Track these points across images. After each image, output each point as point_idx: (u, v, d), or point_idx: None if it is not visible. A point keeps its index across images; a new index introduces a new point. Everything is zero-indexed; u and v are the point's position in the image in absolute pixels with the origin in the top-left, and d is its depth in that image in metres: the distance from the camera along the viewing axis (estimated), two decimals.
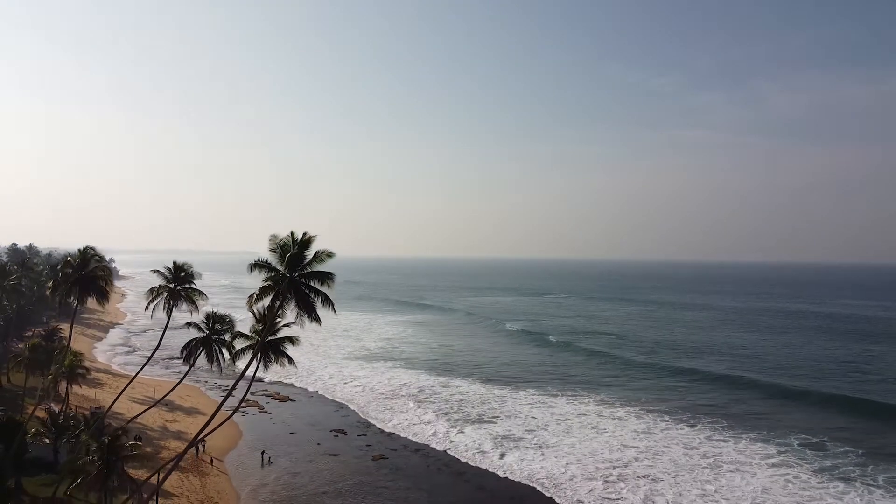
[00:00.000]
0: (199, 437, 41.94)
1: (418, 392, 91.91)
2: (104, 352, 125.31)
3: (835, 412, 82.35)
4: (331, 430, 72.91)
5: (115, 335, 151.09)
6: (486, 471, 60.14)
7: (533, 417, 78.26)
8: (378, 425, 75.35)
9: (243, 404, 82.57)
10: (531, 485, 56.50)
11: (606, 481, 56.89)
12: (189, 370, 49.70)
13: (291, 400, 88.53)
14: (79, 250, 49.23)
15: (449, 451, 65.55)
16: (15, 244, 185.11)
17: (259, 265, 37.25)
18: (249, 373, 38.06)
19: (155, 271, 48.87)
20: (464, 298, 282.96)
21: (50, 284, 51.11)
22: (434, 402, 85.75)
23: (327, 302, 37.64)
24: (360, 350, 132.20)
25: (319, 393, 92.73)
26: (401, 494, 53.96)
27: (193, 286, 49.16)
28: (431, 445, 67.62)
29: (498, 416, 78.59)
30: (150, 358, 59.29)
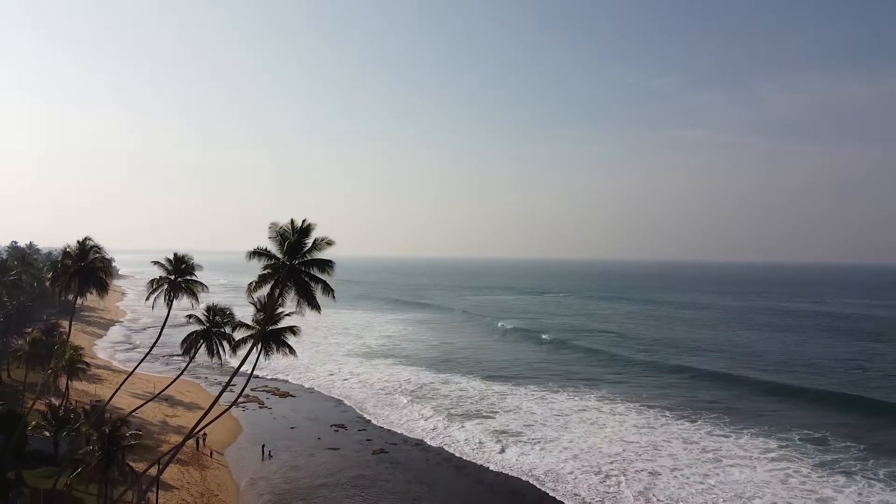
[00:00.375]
0: (200, 428, 41.93)
1: (418, 388, 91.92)
2: (104, 349, 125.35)
3: (836, 409, 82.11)
4: (331, 425, 72.93)
5: (115, 332, 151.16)
6: (485, 465, 60.16)
7: (532, 413, 78.26)
8: (378, 420, 75.36)
9: (244, 400, 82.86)
10: (531, 478, 56.51)
11: (605, 475, 56.88)
12: (189, 363, 49.58)
13: (291, 396, 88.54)
14: (77, 241, 49.14)
15: (449, 446, 65.56)
16: (15, 242, 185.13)
17: (258, 253, 37.22)
18: (251, 361, 38.02)
19: (155, 262, 48.82)
20: (464, 297, 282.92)
21: (49, 275, 51.03)
22: (434, 398, 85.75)
23: (327, 290, 37.59)
24: (360, 347, 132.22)
25: (319, 389, 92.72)
26: (401, 487, 53.97)
27: (194, 278, 49.09)
28: (431, 440, 67.63)
29: (498, 412, 78.60)
30: (150, 350, 59.23)
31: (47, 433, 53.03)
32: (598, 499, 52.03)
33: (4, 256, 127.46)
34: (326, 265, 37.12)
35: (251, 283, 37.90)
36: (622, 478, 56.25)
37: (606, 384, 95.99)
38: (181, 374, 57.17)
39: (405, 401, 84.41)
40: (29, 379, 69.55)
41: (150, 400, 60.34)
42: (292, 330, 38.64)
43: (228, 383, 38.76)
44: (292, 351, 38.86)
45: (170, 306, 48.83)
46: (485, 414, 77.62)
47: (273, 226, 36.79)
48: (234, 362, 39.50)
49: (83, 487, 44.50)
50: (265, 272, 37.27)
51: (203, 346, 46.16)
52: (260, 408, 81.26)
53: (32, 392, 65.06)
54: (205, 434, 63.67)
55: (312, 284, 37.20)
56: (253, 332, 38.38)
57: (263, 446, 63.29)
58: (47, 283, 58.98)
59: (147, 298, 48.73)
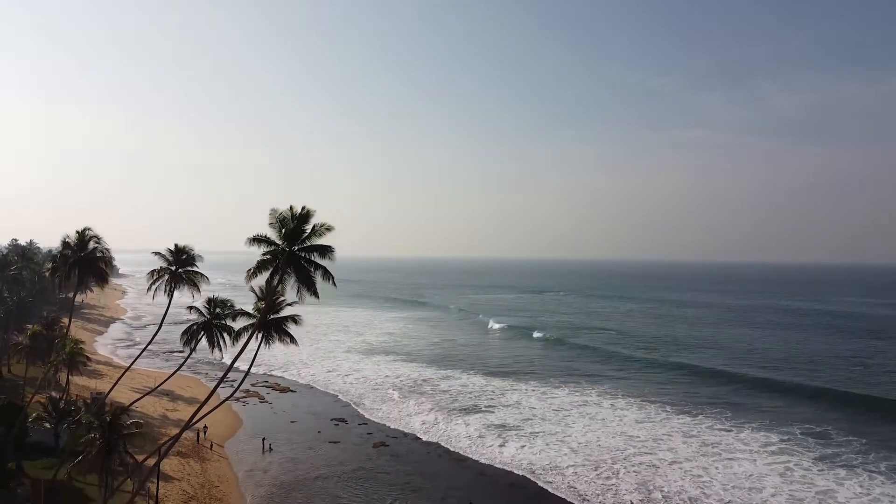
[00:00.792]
0: (200, 417, 41.89)
1: (419, 384, 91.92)
2: (105, 345, 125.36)
3: (838, 405, 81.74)
4: (331, 420, 72.91)
5: (116, 329, 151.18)
6: (486, 458, 60.12)
7: (533, 408, 78.23)
8: (378, 415, 75.32)
9: (244, 395, 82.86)
10: (531, 471, 56.45)
11: (604, 468, 56.84)
12: (190, 354, 49.54)
13: (292, 391, 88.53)
14: (77, 232, 49.02)
15: (449, 440, 65.52)
16: (15, 240, 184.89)
17: (258, 239, 37.17)
18: (252, 349, 37.98)
19: (156, 253, 48.75)
20: (464, 296, 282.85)
21: (49, 266, 50.91)
22: (435, 394, 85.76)
23: (327, 276, 37.54)
24: (360, 344, 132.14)
25: (320, 385, 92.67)
26: (401, 479, 53.95)
27: (195, 269, 49.03)
28: (432, 434, 67.59)
29: (498, 407, 78.56)
30: (151, 341, 59.09)
31: (48, 425, 53.04)
32: (597, 491, 51.99)
33: (5, 252, 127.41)
34: (327, 250, 37.07)
35: (250, 269, 37.83)
36: (621, 471, 56.21)
37: (607, 380, 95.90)
38: (181, 366, 57.20)
39: (406, 396, 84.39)
40: (29, 374, 69.55)
41: (150, 392, 60.40)
42: (294, 319, 38.59)
43: (230, 368, 38.60)
44: (293, 340, 38.80)
45: (171, 297, 48.78)
46: (485, 409, 77.60)
47: (273, 212, 36.76)
48: (236, 354, 39.36)
49: (83, 478, 44.57)
50: (264, 258, 37.22)
51: (204, 337, 46.15)
52: (260, 403, 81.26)
53: (33, 387, 65.07)
54: (205, 427, 63.71)
55: (312, 270, 37.14)
56: (254, 320, 38.31)
57: (264, 439, 63.29)
58: (47, 274, 58.84)
59: (148, 289, 48.65)
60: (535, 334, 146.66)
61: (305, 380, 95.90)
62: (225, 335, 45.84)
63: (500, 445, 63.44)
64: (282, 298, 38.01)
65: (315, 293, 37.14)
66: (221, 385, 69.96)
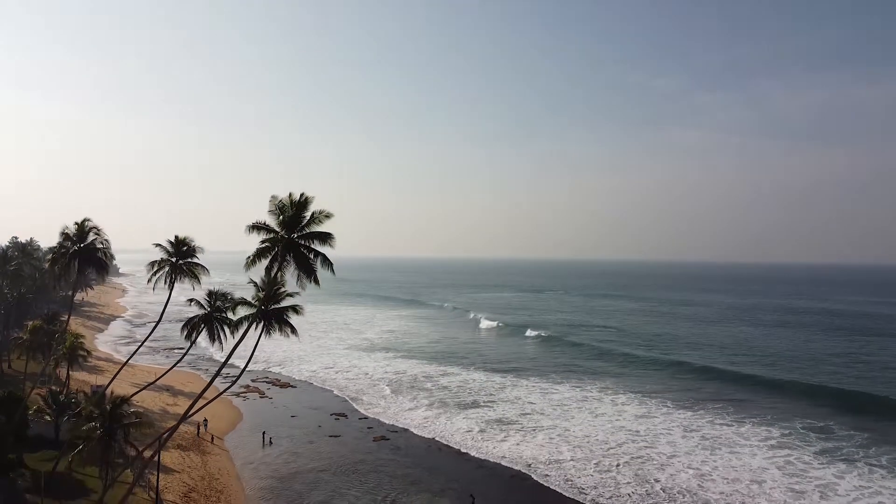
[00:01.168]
0: (199, 407, 41.87)
1: (420, 380, 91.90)
2: (106, 342, 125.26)
3: (839, 401, 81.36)
4: (331, 414, 72.87)
5: (116, 327, 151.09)
6: (486, 451, 60.03)
7: (532, 403, 78.19)
8: (379, 410, 75.22)
9: (244, 390, 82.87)
10: (530, 464, 56.34)
11: (604, 461, 56.78)
12: (190, 347, 49.45)
13: (292, 387, 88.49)
14: (76, 223, 48.87)
15: (450, 434, 65.44)
16: (16, 237, 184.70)
17: (257, 227, 37.07)
18: (252, 337, 37.92)
19: (157, 245, 48.65)
20: (465, 295, 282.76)
21: (49, 257, 50.77)
22: (435, 389, 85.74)
23: (326, 263, 37.43)
24: (361, 342, 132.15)
25: (321, 381, 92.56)
26: (401, 472, 53.89)
27: (195, 260, 48.92)
28: (432, 428, 67.50)
29: (498, 402, 78.54)
30: (150, 334, 59.05)
31: (48, 417, 53.06)
32: (595, 484, 51.91)
33: (5, 248, 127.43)
34: (327, 237, 36.97)
35: (249, 256, 37.74)
36: (621, 464, 56.14)
37: (608, 377, 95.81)
38: (181, 358, 57.11)
39: (406, 392, 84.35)
40: (30, 369, 69.52)
41: (149, 385, 60.35)
42: (295, 309, 38.51)
43: (229, 356, 38.52)
44: (294, 331, 38.71)
45: (171, 288, 48.68)
46: (485, 404, 77.55)
47: (273, 199, 36.64)
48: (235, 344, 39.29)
49: (83, 469, 44.54)
50: (263, 245, 37.12)
51: (204, 330, 46.01)
52: (261, 397, 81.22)
53: (33, 382, 65.02)
54: (206, 420, 63.71)
55: (311, 258, 37.05)
56: (254, 310, 38.24)
57: (264, 433, 63.26)
58: (46, 265, 58.76)
59: (148, 280, 48.55)
60: (541, 332, 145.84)
61: (306, 375, 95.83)
62: (226, 328, 45.71)
63: (501, 440, 63.37)
64: (283, 289, 37.93)
65: (315, 280, 37.03)
66: (222, 380, 69.89)
